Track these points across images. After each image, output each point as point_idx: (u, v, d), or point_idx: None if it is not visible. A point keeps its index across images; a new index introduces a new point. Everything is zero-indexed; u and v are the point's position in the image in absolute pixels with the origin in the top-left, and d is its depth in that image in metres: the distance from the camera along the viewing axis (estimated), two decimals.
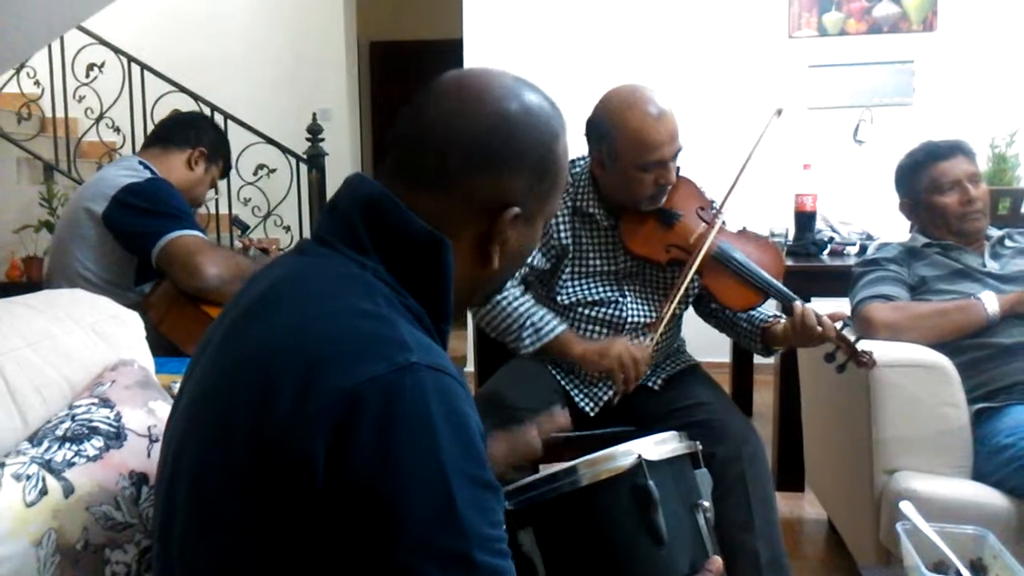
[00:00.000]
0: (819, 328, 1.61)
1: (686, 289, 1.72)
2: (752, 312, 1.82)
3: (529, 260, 1.75)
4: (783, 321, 1.73)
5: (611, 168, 1.72)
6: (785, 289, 1.73)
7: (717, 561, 1.02)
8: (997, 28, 3.88)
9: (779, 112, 1.80)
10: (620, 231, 1.78)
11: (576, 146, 1.95)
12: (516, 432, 1.35)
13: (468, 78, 0.87)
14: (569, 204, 1.81)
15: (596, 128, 1.73)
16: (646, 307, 1.82)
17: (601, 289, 1.81)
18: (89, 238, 1.90)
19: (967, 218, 1.95)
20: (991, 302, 1.81)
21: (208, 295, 1.87)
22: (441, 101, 0.85)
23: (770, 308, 1.84)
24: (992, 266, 1.94)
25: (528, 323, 1.70)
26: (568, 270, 1.81)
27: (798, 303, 1.66)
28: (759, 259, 1.77)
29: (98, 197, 1.89)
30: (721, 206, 1.80)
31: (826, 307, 2.16)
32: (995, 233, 2.02)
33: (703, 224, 1.77)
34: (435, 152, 0.83)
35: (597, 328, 1.82)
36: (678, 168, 1.77)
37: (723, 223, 1.80)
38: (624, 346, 1.65)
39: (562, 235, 1.80)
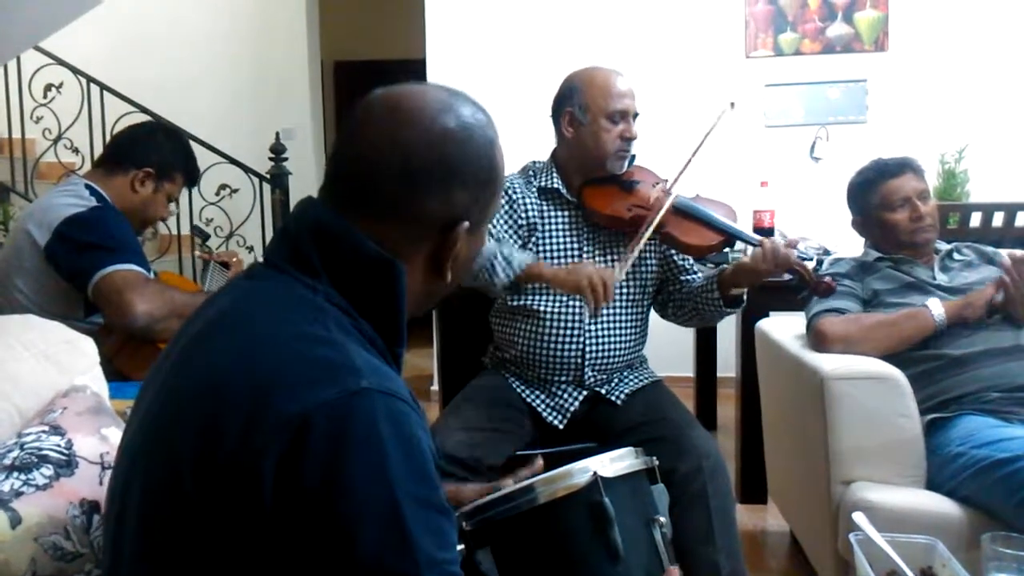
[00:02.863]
0: (784, 250, 1.74)
1: (649, 237, 1.80)
2: (707, 274, 1.93)
3: (499, 237, 1.83)
4: (745, 256, 1.82)
5: (582, 121, 1.85)
6: (746, 232, 1.85)
7: (674, 572, 1.03)
8: (946, 48, 3.99)
9: (732, 105, 1.93)
10: (583, 197, 1.88)
11: (535, 153, 2.03)
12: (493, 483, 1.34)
13: (401, 98, 0.86)
14: (534, 187, 1.91)
15: (565, 91, 1.89)
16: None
17: None
18: (30, 269, 1.83)
19: (917, 233, 2.00)
20: (937, 308, 1.86)
21: (140, 334, 1.78)
22: (377, 124, 0.84)
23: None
24: (941, 279, 1.99)
25: (499, 258, 1.73)
26: (534, 250, 1.87)
27: (765, 239, 1.77)
28: (715, 211, 1.89)
29: (42, 225, 1.82)
30: (677, 177, 1.88)
31: (784, 322, 2.21)
32: (944, 247, 2.07)
33: (660, 191, 1.88)
34: (379, 179, 0.83)
35: (554, 322, 1.84)
36: (633, 156, 1.90)
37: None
38: (593, 266, 1.72)
39: (530, 213, 1.88)
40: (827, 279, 1.82)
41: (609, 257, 1.90)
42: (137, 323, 1.75)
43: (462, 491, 1.18)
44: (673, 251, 1.93)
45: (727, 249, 1.95)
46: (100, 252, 1.78)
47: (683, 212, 1.85)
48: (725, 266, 1.88)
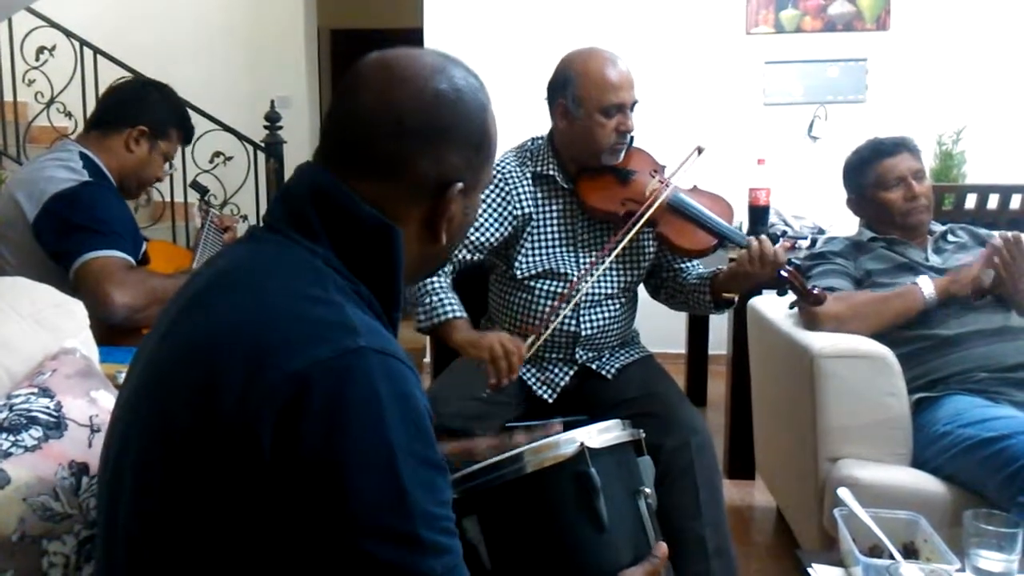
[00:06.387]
0: (772, 252, 1.66)
1: (634, 235, 1.75)
2: (701, 270, 1.89)
3: (487, 232, 1.78)
4: (735, 255, 1.77)
5: (576, 115, 1.77)
6: (737, 232, 1.79)
7: (662, 546, 1.05)
8: (948, 28, 3.97)
9: (700, 151, 1.83)
10: (577, 188, 1.82)
11: (533, 126, 1.98)
12: (475, 439, 1.35)
13: (394, 60, 0.87)
14: (530, 173, 1.85)
15: (559, 79, 1.80)
16: (602, 279, 1.85)
17: (559, 259, 1.84)
18: (17, 241, 1.78)
19: (911, 213, 2.00)
20: (927, 286, 1.87)
21: (120, 325, 1.70)
22: (371, 85, 0.85)
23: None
24: (935, 260, 1.99)
25: (427, 300, 1.68)
26: (529, 239, 1.84)
27: (753, 238, 1.71)
28: (711, 208, 1.83)
29: (32, 198, 1.76)
30: (677, 169, 1.84)
31: (776, 300, 2.21)
32: (938, 228, 2.07)
33: (657, 182, 1.83)
34: (373, 138, 0.83)
35: (549, 301, 1.83)
36: (632, 138, 1.83)
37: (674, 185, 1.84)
38: (498, 337, 1.62)
39: (524, 204, 1.83)
40: (817, 290, 1.75)
41: (604, 246, 1.86)
42: (116, 315, 1.69)
43: (476, 445, 1.21)
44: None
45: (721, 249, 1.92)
46: (85, 234, 1.72)
47: (678, 211, 1.80)
48: (719, 268, 1.84)
